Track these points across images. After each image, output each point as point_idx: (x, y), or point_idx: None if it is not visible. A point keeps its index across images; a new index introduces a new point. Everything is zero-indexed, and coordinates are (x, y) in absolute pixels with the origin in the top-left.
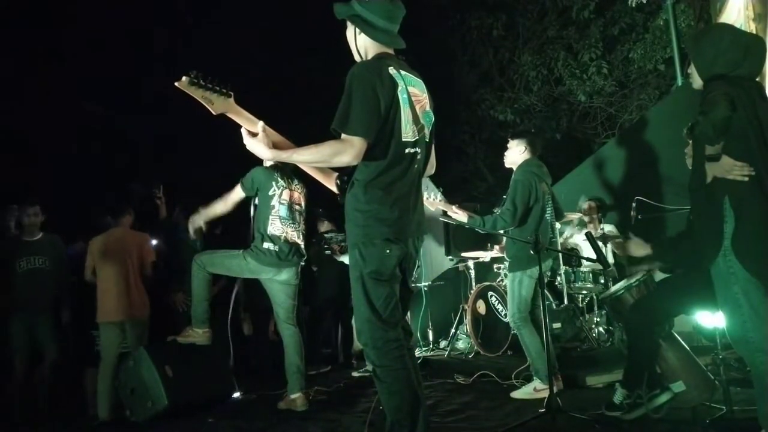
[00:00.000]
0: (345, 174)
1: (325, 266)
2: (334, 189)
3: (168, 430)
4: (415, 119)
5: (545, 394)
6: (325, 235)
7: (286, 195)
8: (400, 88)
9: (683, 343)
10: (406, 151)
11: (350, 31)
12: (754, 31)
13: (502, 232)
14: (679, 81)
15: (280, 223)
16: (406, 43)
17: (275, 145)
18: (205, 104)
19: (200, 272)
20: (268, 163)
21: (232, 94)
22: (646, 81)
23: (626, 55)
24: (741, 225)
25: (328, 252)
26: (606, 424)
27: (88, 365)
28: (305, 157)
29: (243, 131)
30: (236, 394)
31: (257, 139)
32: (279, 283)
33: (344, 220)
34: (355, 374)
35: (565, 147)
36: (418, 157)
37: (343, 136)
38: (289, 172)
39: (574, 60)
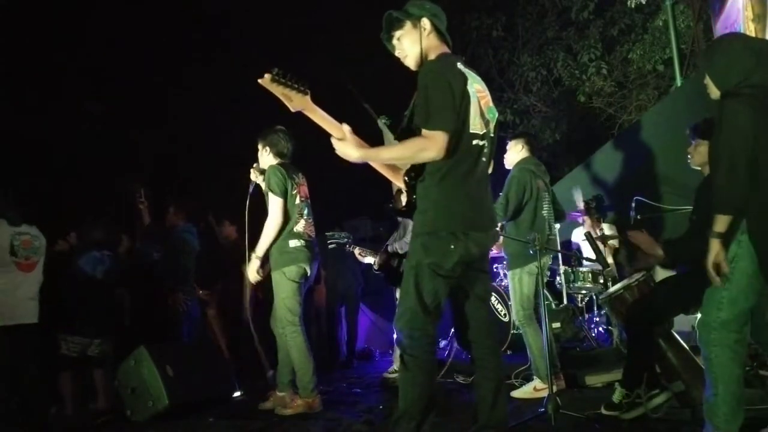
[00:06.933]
0: (413, 170)
1: (329, 265)
2: (402, 186)
3: (168, 430)
4: (482, 113)
5: (545, 393)
6: (326, 233)
7: (302, 191)
8: (469, 82)
9: (683, 343)
10: (474, 143)
11: (414, 33)
12: (753, 32)
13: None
14: (679, 81)
15: (304, 221)
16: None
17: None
18: (284, 101)
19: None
20: (273, 162)
21: (309, 91)
22: (645, 81)
23: (625, 56)
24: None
25: (332, 246)
26: (605, 423)
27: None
28: (392, 155)
29: (333, 140)
30: (236, 394)
31: (347, 141)
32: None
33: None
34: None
35: (564, 147)
36: (485, 150)
37: (424, 131)
38: (295, 166)
39: (573, 60)
